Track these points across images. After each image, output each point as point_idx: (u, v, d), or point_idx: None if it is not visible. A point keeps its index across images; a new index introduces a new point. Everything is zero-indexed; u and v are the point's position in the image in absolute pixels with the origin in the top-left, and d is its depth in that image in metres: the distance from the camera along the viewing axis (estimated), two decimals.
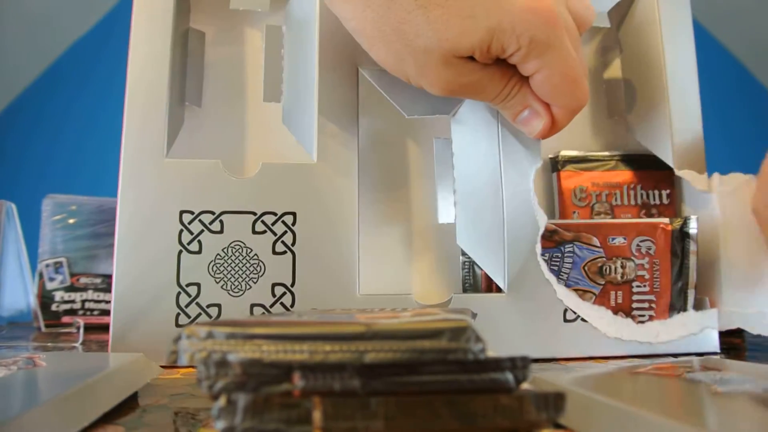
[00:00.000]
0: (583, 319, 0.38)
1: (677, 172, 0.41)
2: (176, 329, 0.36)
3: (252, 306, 0.37)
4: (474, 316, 0.34)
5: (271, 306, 0.37)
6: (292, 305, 0.37)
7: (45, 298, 0.59)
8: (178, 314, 0.37)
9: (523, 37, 0.32)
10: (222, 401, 0.16)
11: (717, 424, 0.19)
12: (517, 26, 0.32)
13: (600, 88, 0.49)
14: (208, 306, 0.37)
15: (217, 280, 0.37)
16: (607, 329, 0.38)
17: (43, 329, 0.58)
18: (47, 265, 0.59)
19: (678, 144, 0.42)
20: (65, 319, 0.58)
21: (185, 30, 0.43)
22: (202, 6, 0.45)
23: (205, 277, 0.37)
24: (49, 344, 0.48)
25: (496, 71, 0.35)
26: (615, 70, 0.48)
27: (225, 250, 0.37)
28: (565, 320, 0.39)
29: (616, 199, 0.42)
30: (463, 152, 0.41)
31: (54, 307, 0.59)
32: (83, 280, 0.59)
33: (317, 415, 0.16)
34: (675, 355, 0.39)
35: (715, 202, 0.41)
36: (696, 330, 0.39)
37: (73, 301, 0.59)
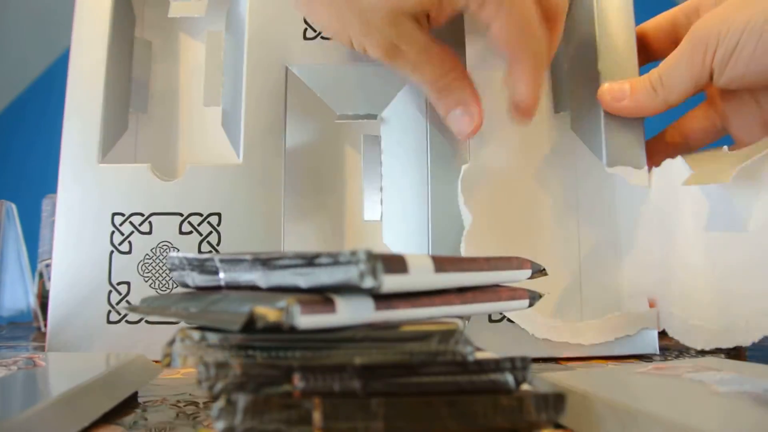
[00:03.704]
0: (509, 320, 0.38)
1: (608, 170, 0.39)
2: (107, 325, 0.38)
3: None
4: (468, 318, 0.34)
5: None
6: None
7: (45, 298, 0.59)
8: (109, 312, 0.38)
9: None
10: (222, 402, 0.16)
11: (717, 424, 0.19)
12: None
13: (546, 85, 0.47)
14: None
15: (146, 279, 0.38)
16: (535, 330, 0.37)
17: (43, 329, 0.58)
18: (47, 265, 0.59)
19: (611, 140, 0.40)
20: None
21: (130, 40, 0.45)
22: (147, 16, 0.47)
23: (135, 276, 0.38)
24: None
25: (440, 51, 0.34)
26: (559, 67, 0.46)
27: (153, 250, 0.39)
28: (490, 320, 0.38)
29: None
30: (391, 151, 0.41)
31: None
32: None
33: (317, 416, 0.16)
34: (610, 358, 0.38)
35: (652, 196, 0.39)
36: (632, 331, 0.38)
37: None
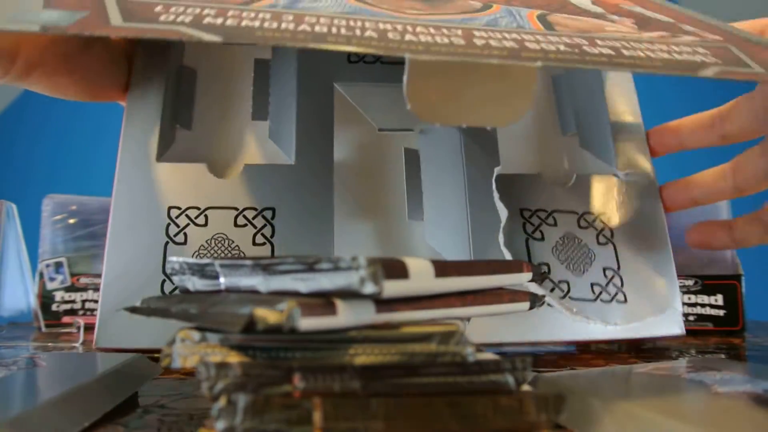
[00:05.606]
0: (549, 304, 0.39)
1: (620, 174, 0.44)
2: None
3: None
4: (468, 320, 0.34)
5: None
6: None
7: (45, 298, 0.59)
8: None
9: None
10: (222, 402, 0.16)
11: (717, 424, 0.19)
12: None
13: (552, 106, 0.50)
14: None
15: None
16: (572, 311, 0.39)
17: (43, 329, 0.58)
18: (47, 265, 0.59)
19: (620, 151, 0.45)
20: (65, 319, 0.58)
21: (179, 66, 0.47)
22: (194, 45, 0.49)
23: None
24: (49, 344, 0.49)
25: None
26: (565, 88, 0.50)
27: (208, 242, 0.40)
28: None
29: None
30: (429, 159, 0.45)
31: (54, 307, 0.59)
32: (83, 280, 0.59)
33: (318, 416, 0.16)
34: (640, 340, 0.40)
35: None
36: (660, 312, 0.39)
37: (73, 301, 0.59)
